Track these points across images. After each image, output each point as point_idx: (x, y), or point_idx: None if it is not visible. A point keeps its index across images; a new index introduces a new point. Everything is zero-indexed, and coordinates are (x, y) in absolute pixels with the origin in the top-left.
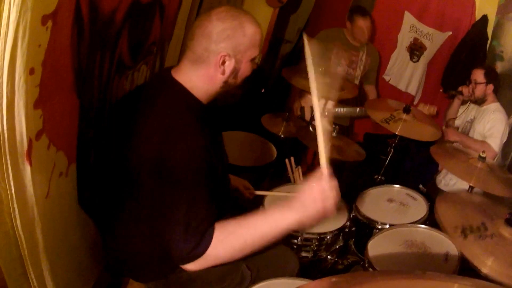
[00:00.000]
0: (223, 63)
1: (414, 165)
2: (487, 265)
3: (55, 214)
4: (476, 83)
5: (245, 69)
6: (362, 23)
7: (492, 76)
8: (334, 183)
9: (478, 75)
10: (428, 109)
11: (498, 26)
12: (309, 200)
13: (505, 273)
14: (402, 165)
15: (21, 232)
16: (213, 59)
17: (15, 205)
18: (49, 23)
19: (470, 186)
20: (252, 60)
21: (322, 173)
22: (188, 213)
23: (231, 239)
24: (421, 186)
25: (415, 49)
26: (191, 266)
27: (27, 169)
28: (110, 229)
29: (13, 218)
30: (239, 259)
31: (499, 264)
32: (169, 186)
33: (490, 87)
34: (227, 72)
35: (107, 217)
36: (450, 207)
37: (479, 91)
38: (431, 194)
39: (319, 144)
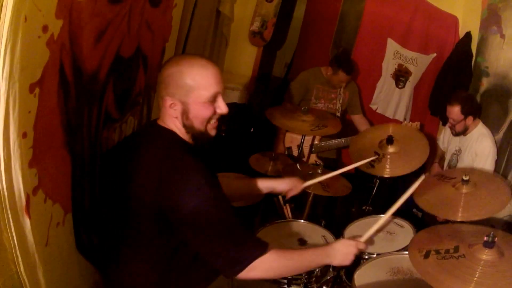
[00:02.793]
0: (171, 106)
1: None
2: (438, 279)
3: (55, 259)
4: (455, 123)
5: (197, 111)
6: (344, 79)
7: (469, 108)
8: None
9: (455, 113)
10: (411, 125)
11: (482, 41)
12: (339, 253)
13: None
14: (396, 191)
15: (24, 276)
16: (165, 104)
17: (18, 253)
18: (37, 90)
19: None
20: (209, 102)
21: (359, 243)
22: (229, 238)
23: (284, 259)
24: (414, 210)
25: (400, 75)
26: (254, 273)
27: (27, 221)
28: (112, 272)
29: (16, 264)
30: None
31: (456, 282)
32: (204, 229)
33: (470, 118)
34: (178, 114)
35: (108, 261)
36: (428, 235)
37: (459, 127)
38: (427, 218)
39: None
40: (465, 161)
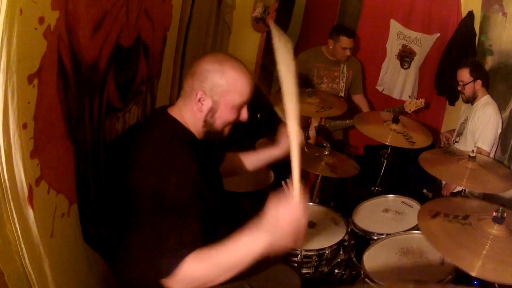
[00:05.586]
0: (200, 100)
1: (417, 170)
2: (438, 239)
3: (61, 251)
4: (464, 84)
5: (225, 113)
6: (347, 44)
7: (478, 72)
8: (305, 202)
9: (464, 75)
10: (415, 103)
11: (484, 20)
12: (276, 221)
13: (456, 253)
14: (406, 172)
15: (30, 269)
16: (194, 96)
17: (22, 245)
18: (35, 81)
19: (462, 189)
20: (237, 107)
21: (292, 193)
22: (175, 237)
23: (204, 266)
24: (425, 190)
25: (405, 56)
26: (171, 284)
27: (30, 212)
28: (118, 260)
29: (21, 257)
30: (236, 279)
31: (451, 244)
32: (162, 213)
33: (478, 83)
34: (204, 110)
35: (114, 249)
36: (442, 201)
37: (468, 90)
38: (437, 198)
39: (293, 159)
40: (469, 127)
